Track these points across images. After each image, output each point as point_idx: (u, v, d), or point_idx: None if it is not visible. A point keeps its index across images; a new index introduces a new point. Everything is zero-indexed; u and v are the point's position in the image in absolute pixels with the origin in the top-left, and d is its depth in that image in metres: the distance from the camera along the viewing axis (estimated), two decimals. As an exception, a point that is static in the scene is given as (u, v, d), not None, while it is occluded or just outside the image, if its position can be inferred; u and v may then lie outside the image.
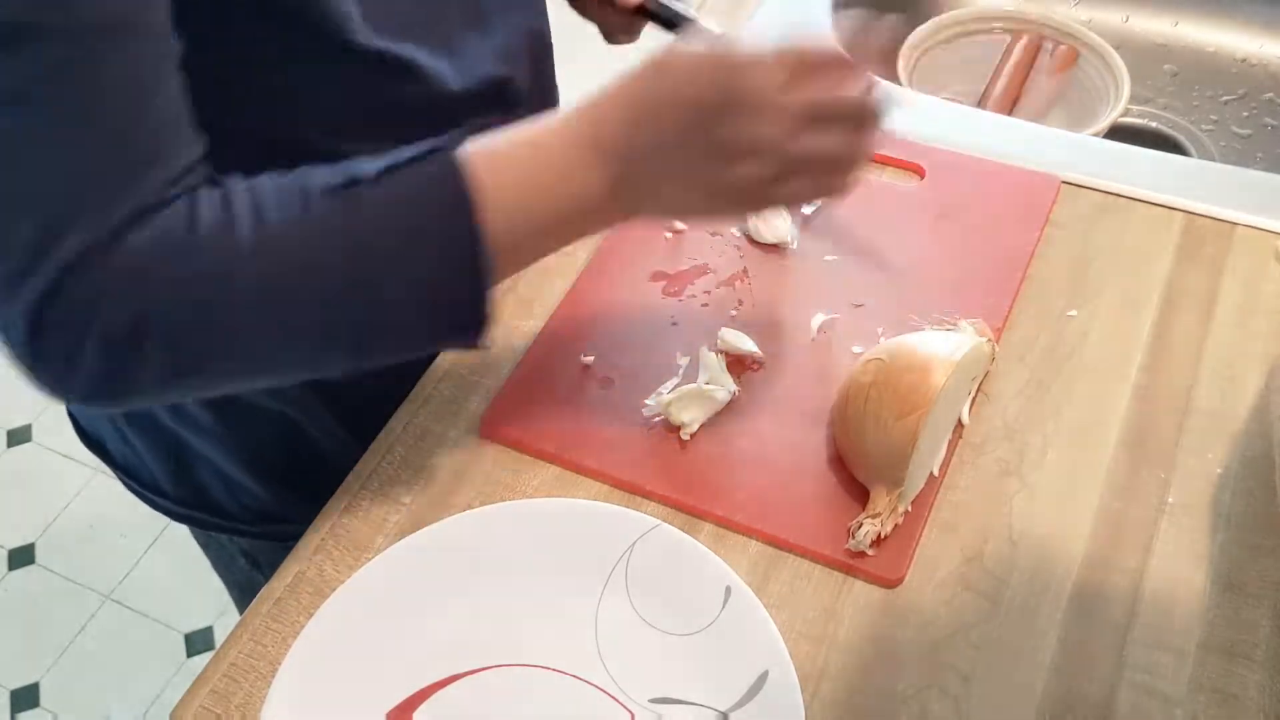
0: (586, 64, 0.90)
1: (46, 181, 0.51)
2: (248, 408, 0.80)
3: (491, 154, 0.58)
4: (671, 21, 0.81)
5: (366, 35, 0.63)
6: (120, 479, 0.91)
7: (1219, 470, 0.67)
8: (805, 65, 0.57)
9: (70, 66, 0.50)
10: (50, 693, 1.71)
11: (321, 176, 0.56)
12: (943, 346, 0.65)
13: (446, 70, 0.69)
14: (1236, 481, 0.66)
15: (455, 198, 0.56)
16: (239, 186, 0.55)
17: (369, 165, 0.57)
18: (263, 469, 0.85)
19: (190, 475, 0.87)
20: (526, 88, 0.78)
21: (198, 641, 1.75)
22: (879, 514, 0.63)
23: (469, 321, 0.58)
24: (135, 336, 0.52)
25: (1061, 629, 0.61)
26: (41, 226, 0.51)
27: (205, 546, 0.98)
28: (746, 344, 0.72)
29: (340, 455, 0.73)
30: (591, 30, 0.88)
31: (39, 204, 0.51)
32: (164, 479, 0.88)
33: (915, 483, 0.64)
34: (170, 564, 1.83)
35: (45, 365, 0.54)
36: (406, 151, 0.57)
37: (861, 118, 0.59)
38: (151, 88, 0.53)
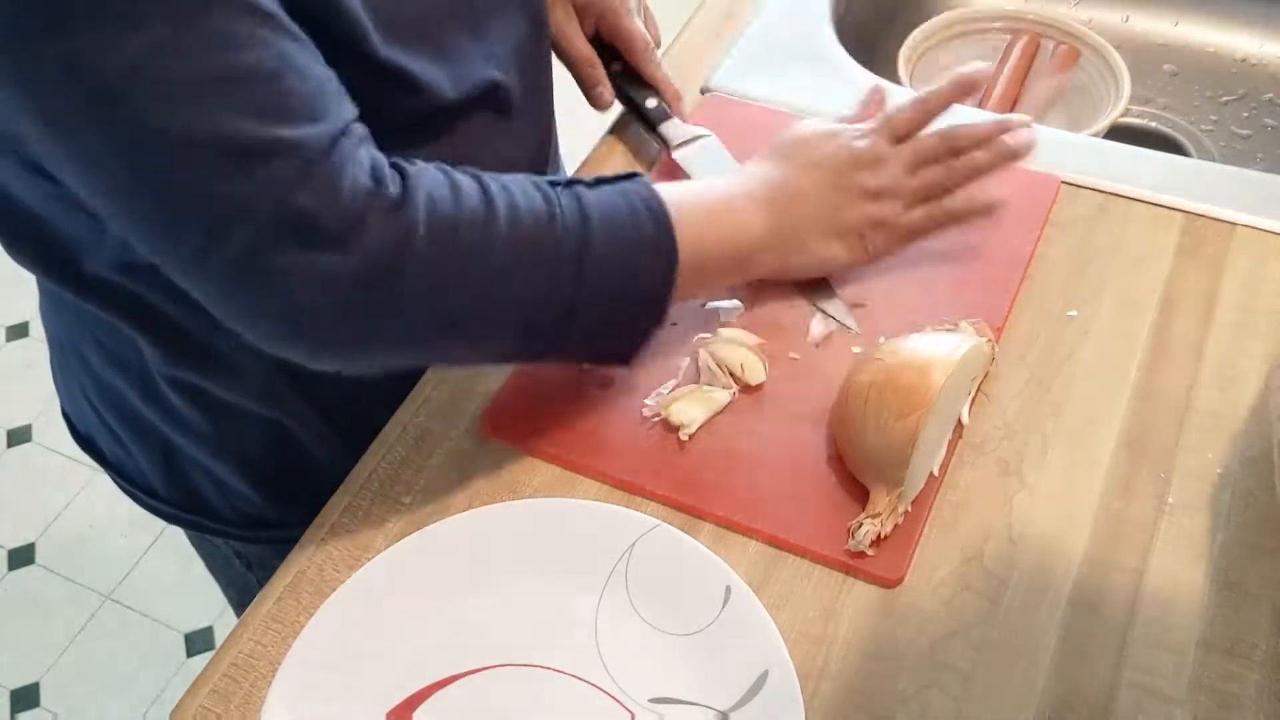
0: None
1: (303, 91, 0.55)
2: (239, 412, 0.80)
3: (682, 198, 0.67)
4: (648, 119, 0.86)
5: (379, 47, 0.63)
6: (113, 478, 0.91)
7: (1219, 470, 0.67)
8: (904, 123, 0.74)
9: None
10: (50, 692, 1.72)
11: (540, 182, 0.63)
12: (943, 346, 0.65)
13: (442, 78, 0.69)
14: (1236, 481, 0.66)
15: (663, 231, 0.64)
16: (486, 175, 0.62)
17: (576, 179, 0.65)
18: (255, 474, 0.84)
19: (182, 478, 0.87)
20: (520, 93, 0.78)
21: (198, 641, 1.75)
22: (879, 514, 0.63)
23: (633, 348, 0.67)
24: (393, 276, 0.57)
25: (1061, 629, 0.61)
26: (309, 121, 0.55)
27: (199, 547, 0.98)
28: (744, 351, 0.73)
29: (332, 463, 0.73)
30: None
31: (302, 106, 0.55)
32: (156, 480, 0.88)
33: (915, 483, 0.64)
34: (170, 564, 1.83)
35: (302, 283, 0.56)
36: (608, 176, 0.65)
37: (954, 148, 0.74)
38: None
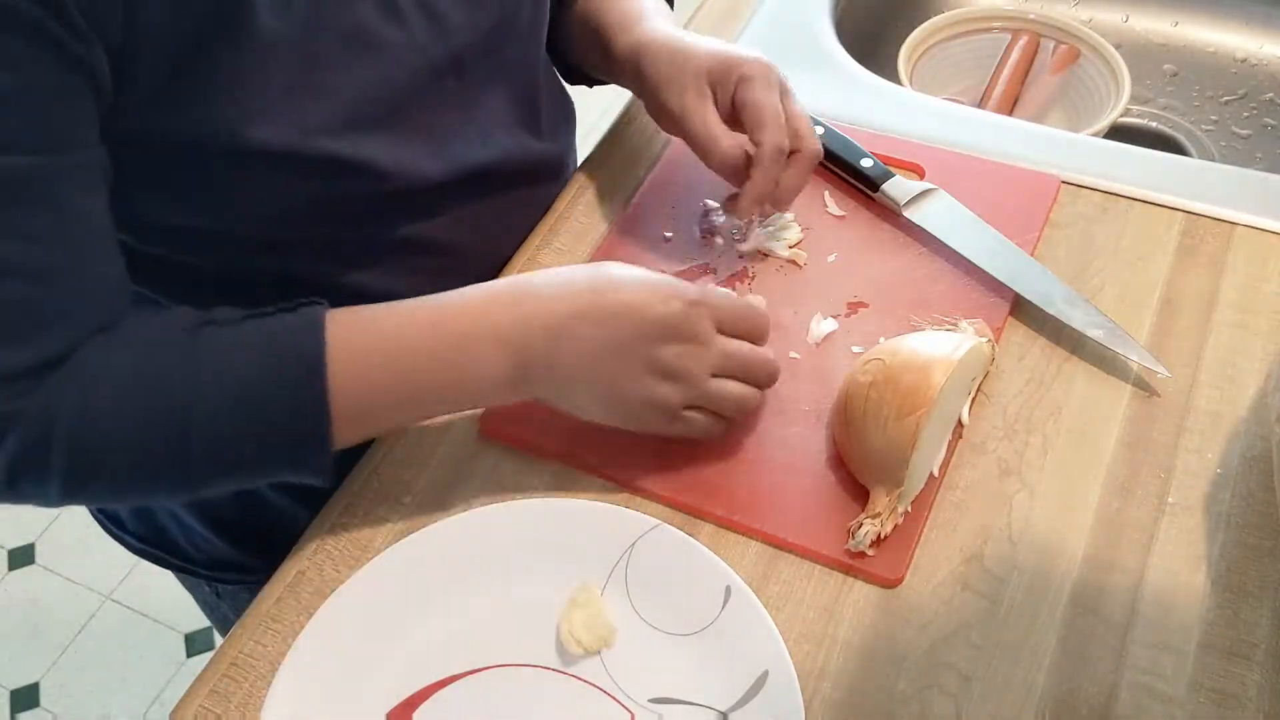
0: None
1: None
2: None
3: (368, 322, 0.61)
4: (866, 179, 0.80)
5: (313, 140, 0.62)
6: (87, 506, 0.91)
7: (1219, 470, 0.67)
8: (735, 319, 0.64)
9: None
10: (50, 692, 1.71)
11: (186, 318, 0.60)
12: (943, 346, 0.65)
13: (419, 162, 0.68)
14: (1236, 481, 0.66)
15: (305, 357, 0.58)
16: (119, 333, 0.59)
17: (232, 313, 0.60)
18: (220, 523, 0.85)
19: (149, 515, 0.87)
20: (527, 165, 0.78)
21: (198, 641, 1.75)
22: (879, 514, 0.63)
23: (307, 466, 0.61)
24: (43, 456, 0.57)
25: (1061, 629, 0.61)
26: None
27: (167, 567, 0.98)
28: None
29: (293, 515, 0.73)
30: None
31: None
32: (125, 514, 0.88)
33: (915, 483, 0.64)
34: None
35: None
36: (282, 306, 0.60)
37: (762, 380, 0.66)
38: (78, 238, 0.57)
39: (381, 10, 0.64)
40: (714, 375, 0.63)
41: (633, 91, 0.80)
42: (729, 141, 0.72)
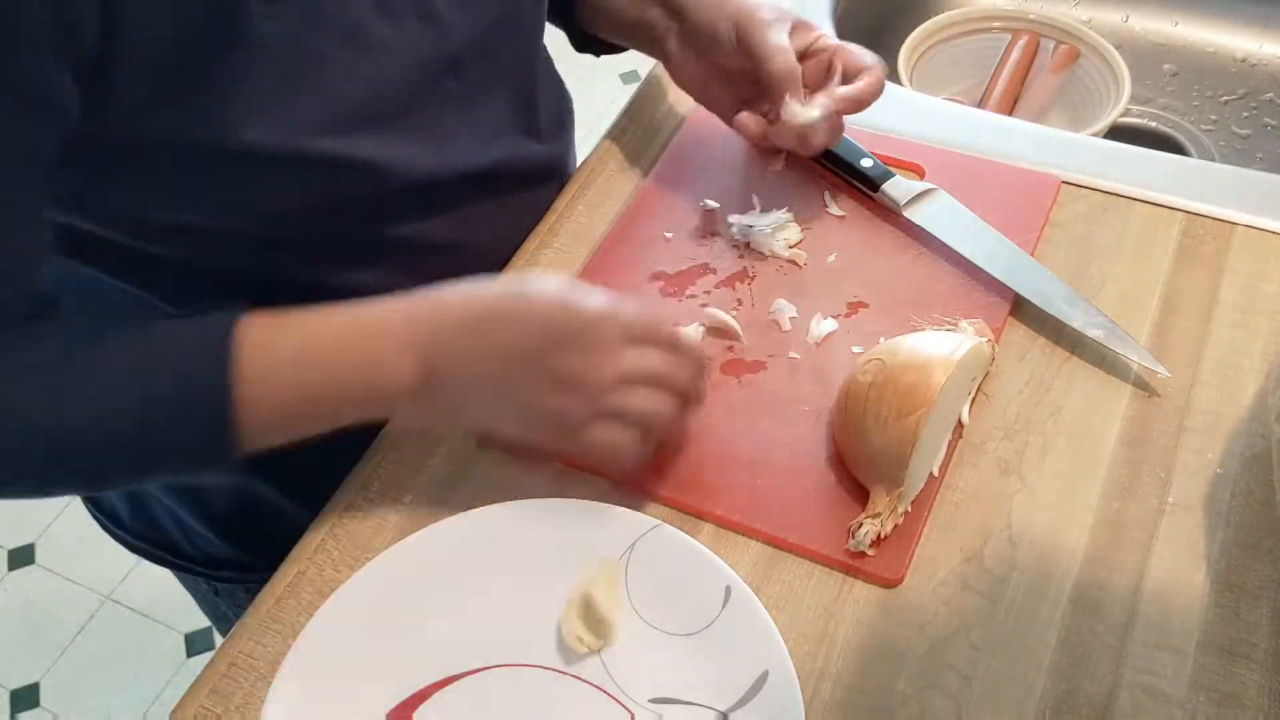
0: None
1: None
2: None
3: (279, 325, 0.60)
4: (866, 179, 0.80)
5: (308, 139, 0.62)
6: (85, 504, 0.92)
7: (1219, 470, 0.67)
8: (646, 332, 0.61)
9: None
10: (50, 692, 1.71)
11: (90, 327, 0.60)
12: (943, 346, 0.65)
13: (416, 161, 0.68)
14: (1236, 481, 0.66)
15: (215, 358, 0.58)
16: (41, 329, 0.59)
17: (138, 321, 0.61)
18: (217, 521, 0.85)
19: (148, 514, 0.87)
20: (525, 168, 0.78)
21: (198, 641, 1.75)
22: (879, 514, 0.63)
23: (210, 464, 0.61)
24: None
25: (1061, 629, 0.61)
26: None
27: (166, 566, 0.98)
28: (727, 319, 0.73)
29: (292, 516, 0.73)
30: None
31: None
32: (124, 512, 0.88)
33: (915, 483, 0.64)
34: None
35: None
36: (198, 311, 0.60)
37: (677, 388, 0.62)
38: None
39: (376, 9, 0.63)
40: (624, 387, 0.60)
41: (647, 42, 0.81)
42: (793, 57, 0.73)
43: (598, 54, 0.88)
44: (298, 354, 0.60)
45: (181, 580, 0.99)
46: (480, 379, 0.61)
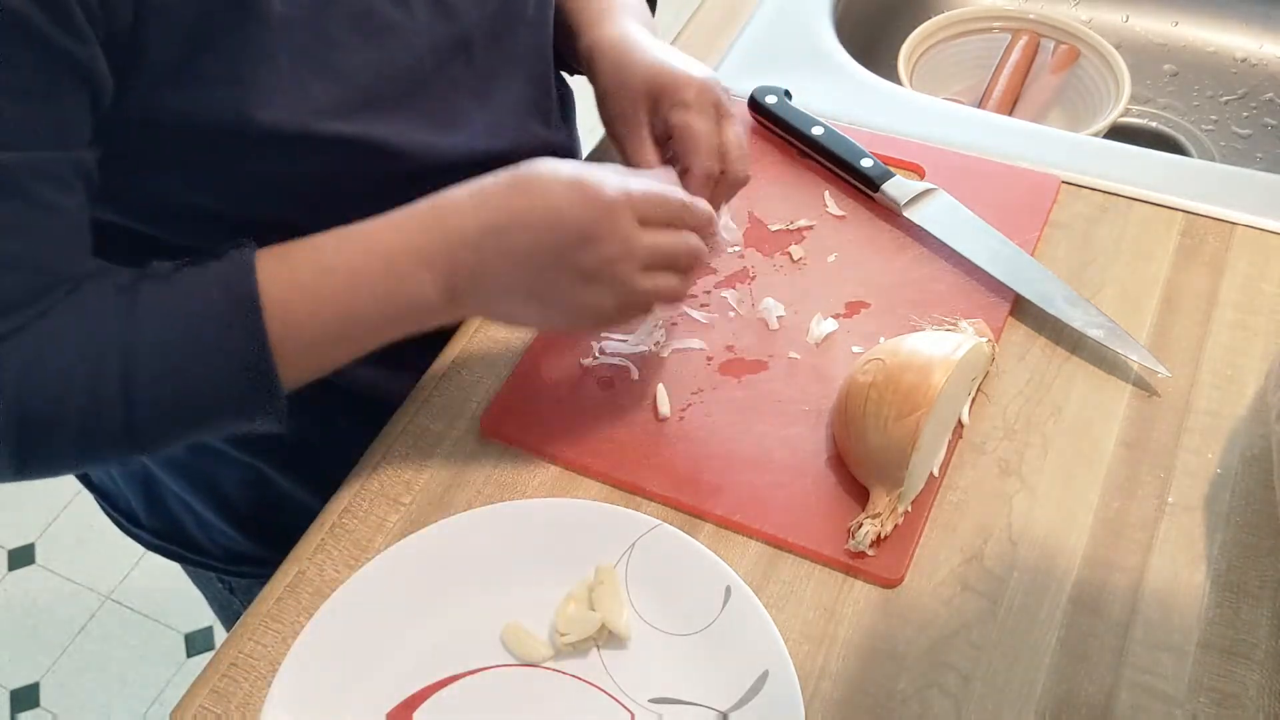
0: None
1: None
2: (219, 455, 0.80)
3: (297, 258, 0.60)
4: (867, 179, 0.79)
5: (323, 120, 0.62)
6: (97, 501, 0.92)
7: (1218, 470, 0.67)
8: (658, 209, 0.62)
9: None
10: (50, 692, 1.72)
11: (121, 277, 0.59)
12: (943, 346, 0.65)
13: (432, 142, 0.68)
14: (1236, 481, 0.66)
15: (240, 298, 0.58)
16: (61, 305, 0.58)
17: (164, 266, 0.60)
18: (232, 512, 0.84)
19: (163, 508, 0.87)
20: (538, 151, 0.77)
21: (198, 641, 1.75)
22: (879, 514, 0.63)
23: (260, 408, 0.61)
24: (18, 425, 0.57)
25: (1061, 629, 0.61)
26: None
27: (185, 564, 0.98)
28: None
29: (307, 506, 0.73)
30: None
31: None
32: (139, 509, 0.88)
33: (915, 483, 0.64)
34: (170, 564, 1.83)
35: None
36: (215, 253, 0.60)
37: (693, 266, 0.64)
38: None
39: None
40: (645, 270, 0.62)
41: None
42: (647, 150, 0.71)
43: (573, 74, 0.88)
44: (318, 289, 0.60)
45: (194, 578, 0.99)
46: (505, 287, 0.62)
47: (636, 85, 0.71)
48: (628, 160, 0.73)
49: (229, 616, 1.01)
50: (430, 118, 0.68)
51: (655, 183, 0.63)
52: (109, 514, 0.92)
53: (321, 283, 0.61)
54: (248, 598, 0.91)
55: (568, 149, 0.84)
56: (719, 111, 0.70)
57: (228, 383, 0.59)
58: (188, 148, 0.62)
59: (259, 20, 0.58)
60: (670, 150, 0.71)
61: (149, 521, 0.89)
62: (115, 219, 0.66)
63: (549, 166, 0.62)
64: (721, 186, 0.70)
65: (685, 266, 0.64)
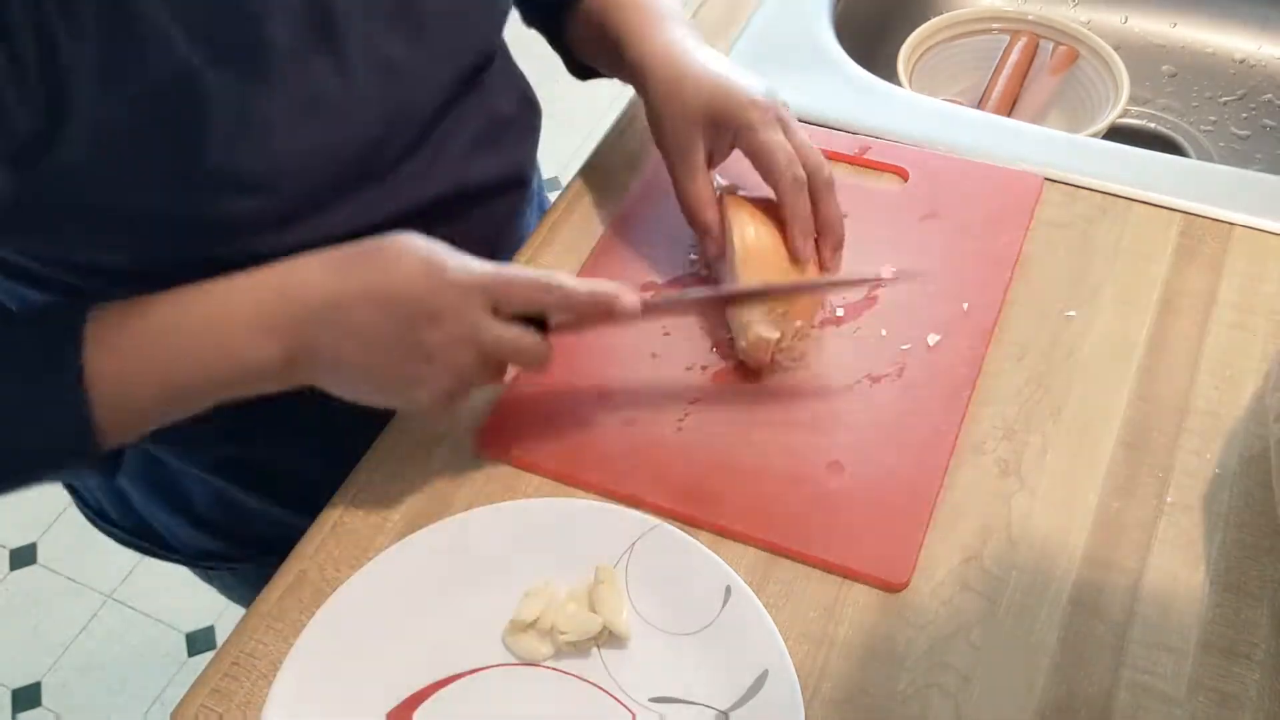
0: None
1: None
2: (183, 472, 0.80)
3: (132, 318, 0.58)
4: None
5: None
6: (73, 499, 0.92)
7: (1217, 470, 0.67)
8: (519, 291, 0.59)
9: None
10: (52, 692, 1.72)
11: None
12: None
13: (368, 202, 0.67)
14: (1235, 481, 0.66)
15: (57, 355, 0.56)
16: None
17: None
18: (204, 524, 0.85)
19: (133, 511, 0.87)
20: (485, 182, 0.76)
21: (199, 641, 1.75)
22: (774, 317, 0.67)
23: (73, 470, 0.61)
24: None
25: (1061, 629, 0.61)
26: None
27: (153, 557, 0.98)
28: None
29: (276, 520, 0.72)
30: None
31: None
32: (110, 507, 0.88)
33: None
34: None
35: None
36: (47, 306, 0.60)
37: (535, 364, 0.62)
38: None
39: (336, 70, 0.62)
40: (481, 357, 0.60)
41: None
42: (711, 214, 0.71)
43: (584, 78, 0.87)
44: (153, 348, 0.59)
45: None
46: (343, 361, 0.59)
47: (695, 107, 0.70)
48: (677, 181, 0.72)
49: (230, 593, 1.01)
50: (369, 183, 0.67)
51: (520, 270, 0.60)
52: (80, 509, 0.92)
53: (157, 351, 0.59)
54: (222, 584, 0.92)
55: (519, 170, 0.81)
56: (784, 124, 0.70)
57: (43, 456, 0.59)
58: (100, 225, 0.61)
59: (199, 106, 0.57)
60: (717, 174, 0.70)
61: (120, 519, 0.89)
62: (17, 259, 0.65)
63: (408, 241, 0.59)
64: (817, 194, 0.69)
65: (525, 362, 0.62)
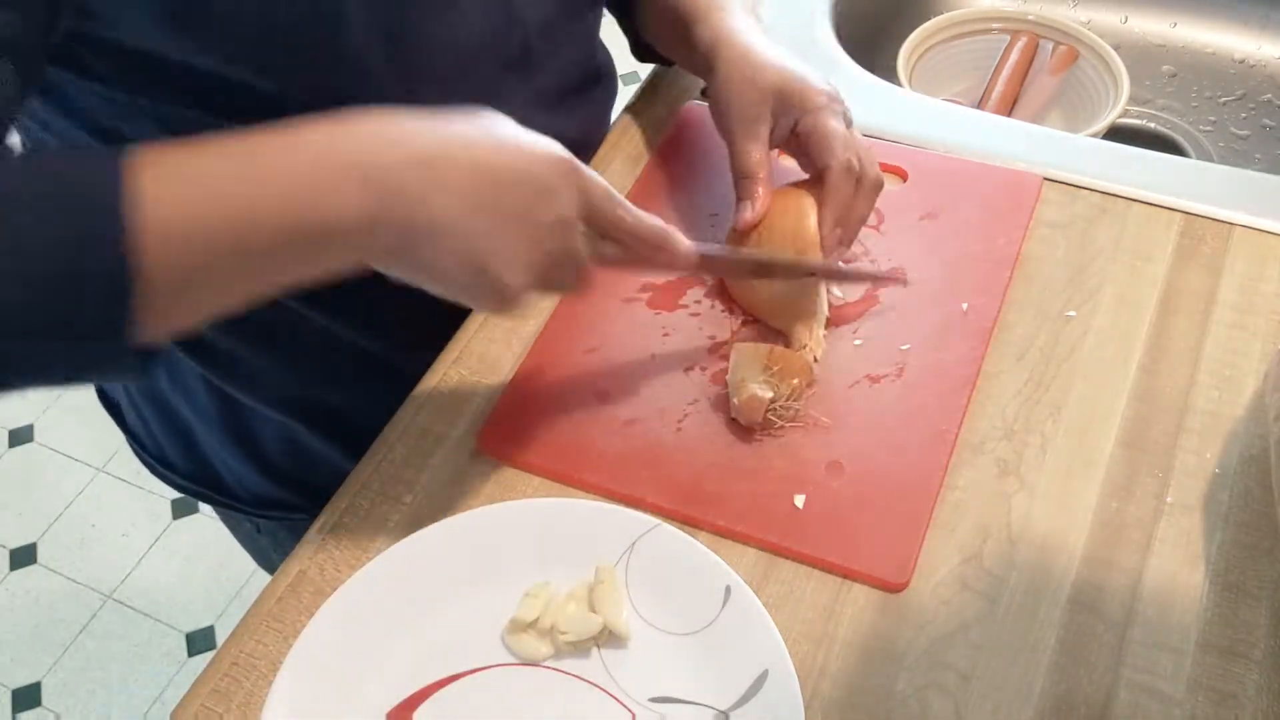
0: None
1: None
2: (256, 413, 0.82)
3: (187, 155, 0.48)
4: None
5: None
6: (129, 443, 0.93)
7: (1217, 470, 0.67)
8: (600, 215, 0.57)
9: None
10: (52, 692, 1.72)
11: None
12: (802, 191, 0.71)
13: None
14: (1234, 481, 0.66)
15: (102, 203, 0.45)
16: None
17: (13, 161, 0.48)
18: (269, 467, 0.86)
19: (198, 454, 0.88)
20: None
21: (199, 641, 1.75)
22: (806, 345, 0.68)
23: (110, 356, 0.48)
24: None
25: (1061, 628, 0.61)
26: None
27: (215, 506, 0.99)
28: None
29: (339, 464, 0.74)
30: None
31: None
32: (172, 453, 0.90)
33: (824, 309, 0.71)
34: (172, 564, 1.83)
35: None
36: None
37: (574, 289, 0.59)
38: None
39: None
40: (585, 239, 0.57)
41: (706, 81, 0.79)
42: (765, 176, 0.72)
43: (664, 64, 0.90)
44: (219, 177, 0.48)
45: (224, 518, 1.00)
46: (446, 218, 0.51)
47: (765, 84, 0.72)
48: (734, 154, 0.73)
49: (255, 549, 1.02)
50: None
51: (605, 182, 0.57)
52: (138, 454, 0.93)
53: (222, 168, 0.48)
54: (274, 540, 0.93)
55: (589, 136, 0.84)
56: (847, 119, 0.72)
57: (73, 323, 0.45)
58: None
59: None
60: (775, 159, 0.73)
61: (181, 465, 0.90)
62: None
63: (505, 119, 0.54)
64: (860, 191, 0.71)
65: (583, 281, 0.58)
